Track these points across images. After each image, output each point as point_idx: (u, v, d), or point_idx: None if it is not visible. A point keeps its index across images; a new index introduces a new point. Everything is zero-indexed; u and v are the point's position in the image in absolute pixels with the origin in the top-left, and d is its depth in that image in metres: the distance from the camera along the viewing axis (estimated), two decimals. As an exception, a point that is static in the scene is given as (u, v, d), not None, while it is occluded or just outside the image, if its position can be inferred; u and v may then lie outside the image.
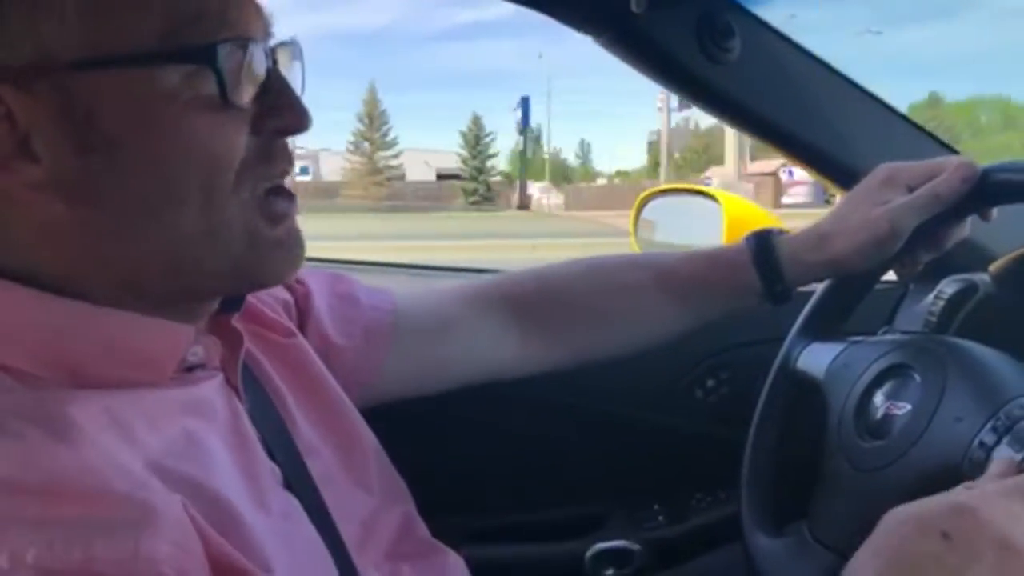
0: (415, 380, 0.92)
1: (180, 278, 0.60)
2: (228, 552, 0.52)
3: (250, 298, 0.75)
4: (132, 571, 0.46)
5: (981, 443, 0.67)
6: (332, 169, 49.19)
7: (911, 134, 1.15)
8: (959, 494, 0.57)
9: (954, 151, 1.13)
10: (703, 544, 1.27)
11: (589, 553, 1.26)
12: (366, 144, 48.05)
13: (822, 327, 0.95)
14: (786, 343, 0.97)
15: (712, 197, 1.50)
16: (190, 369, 0.64)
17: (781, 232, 0.90)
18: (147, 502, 0.49)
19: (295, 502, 0.64)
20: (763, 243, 0.89)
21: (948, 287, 0.98)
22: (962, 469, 0.68)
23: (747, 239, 0.90)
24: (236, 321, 0.69)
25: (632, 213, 1.69)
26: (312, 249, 0.68)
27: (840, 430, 0.84)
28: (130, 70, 0.55)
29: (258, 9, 0.61)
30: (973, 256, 1.03)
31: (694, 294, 0.93)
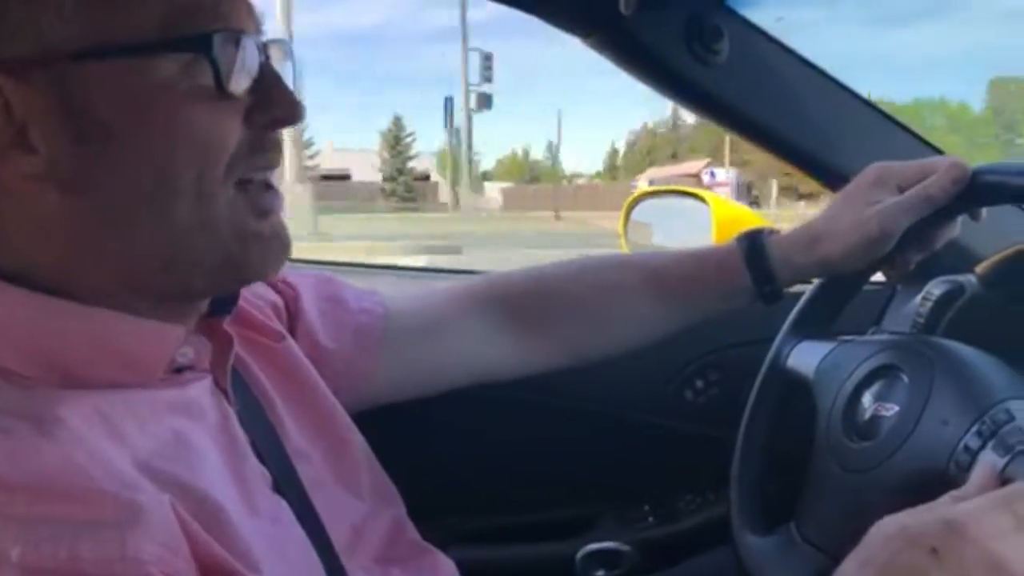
0: (406, 383, 0.92)
1: (171, 271, 0.60)
2: (216, 552, 0.52)
3: (241, 302, 0.74)
4: (118, 571, 0.46)
5: (966, 447, 0.67)
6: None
7: (899, 135, 1.15)
8: (948, 508, 0.57)
9: (940, 152, 1.14)
10: (693, 545, 1.27)
11: (579, 554, 1.26)
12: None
13: (812, 326, 0.95)
14: (776, 342, 0.97)
15: (701, 198, 1.51)
16: (179, 371, 0.64)
17: (772, 232, 0.90)
18: (134, 502, 0.49)
19: (284, 505, 0.65)
20: (754, 243, 0.89)
21: (935, 288, 0.98)
22: (948, 473, 0.68)
23: (738, 239, 0.90)
24: (227, 325, 0.69)
25: (622, 215, 1.69)
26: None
27: (828, 430, 0.84)
28: (127, 61, 0.55)
29: (249, 6, 0.62)
30: (960, 257, 1.03)
31: (685, 294, 0.93)
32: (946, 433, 0.70)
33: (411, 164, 51.34)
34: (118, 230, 0.58)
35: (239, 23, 0.60)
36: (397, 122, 52.00)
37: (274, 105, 0.61)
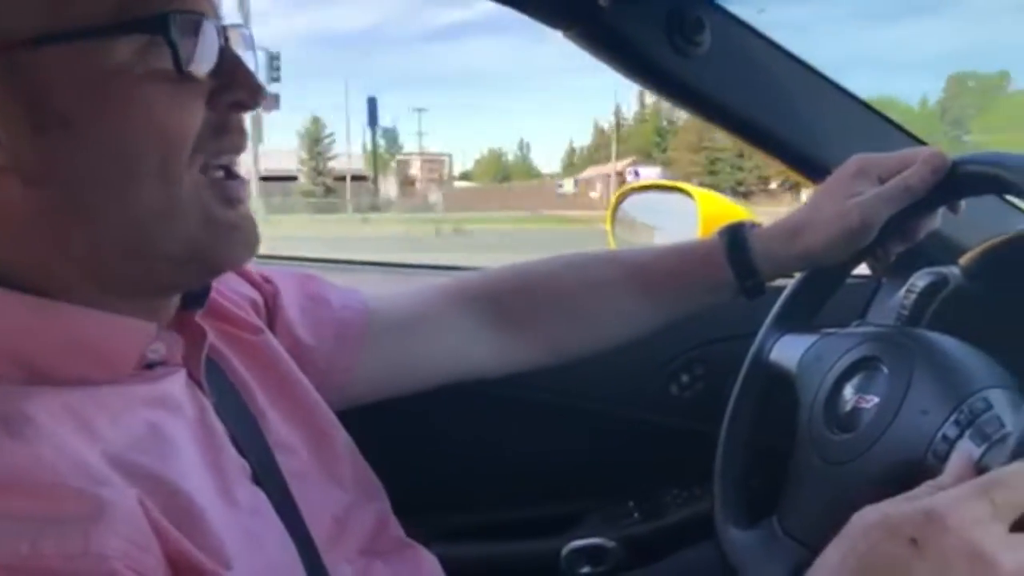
0: (388, 381, 0.92)
1: (139, 262, 0.60)
2: (185, 548, 0.52)
3: (217, 296, 0.75)
4: (81, 566, 0.46)
5: (944, 436, 0.67)
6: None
7: (881, 127, 1.15)
8: (926, 497, 0.57)
9: (923, 143, 1.13)
10: (678, 540, 1.27)
11: (564, 551, 1.25)
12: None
13: (795, 319, 0.95)
14: (759, 335, 0.96)
15: (687, 193, 1.50)
16: (151, 366, 0.63)
17: (754, 225, 0.90)
18: (99, 497, 0.49)
19: (263, 496, 0.64)
20: (735, 237, 0.89)
21: (919, 280, 0.98)
22: (926, 463, 0.68)
23: (720, 233, 0.90)
24: (201, 319, 0.69)
25: (609, 210, 1.69)
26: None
27: (810, 423, 0.84)
28: (83, 45, 0.55)
29: None
30: (945, 249, 1.03)
31: (668, 289, 0.93)
32: (925, 423, 0.70)
33: (331, 164, 51.98)
34: (84, 220, 0.57)
35: (195, 5, 0.59)
36: (316, 123, 52.63)
37: (236, 88, 0.61)
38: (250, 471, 0.65)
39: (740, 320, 1.02)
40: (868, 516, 0.57)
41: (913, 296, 0.97)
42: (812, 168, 1.11)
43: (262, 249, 0.67)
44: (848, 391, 0.81)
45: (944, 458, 0.65)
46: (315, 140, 51.68)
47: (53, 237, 0.57)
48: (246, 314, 0.80)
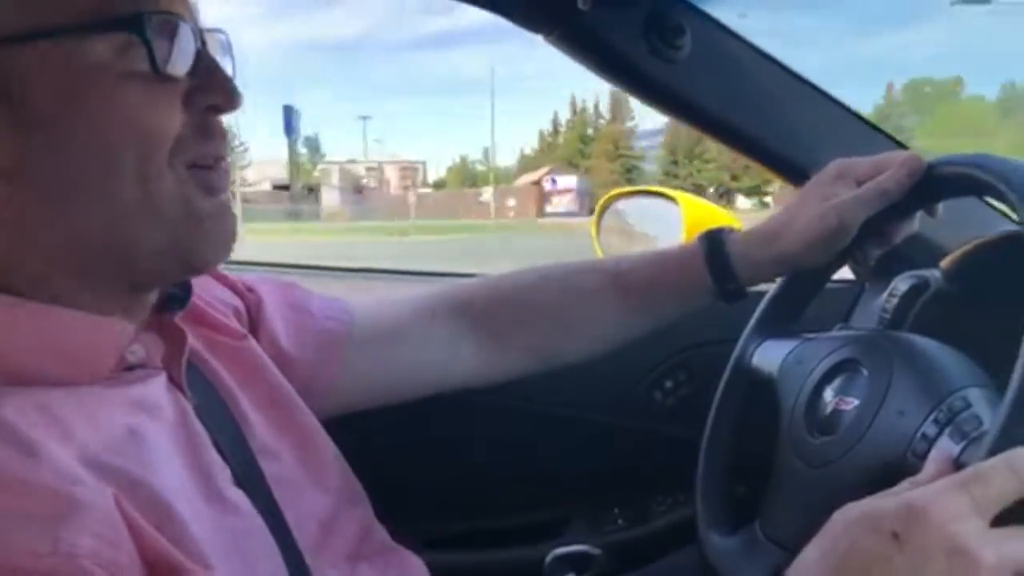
0: (371, 391, 0.92)
1: (119, 257, 0.60)
2: (164, 547, 0.52)
3: (200, 303, 0.75)
4: (50, 564, 0.46)
5: (923, 435, 0.67)
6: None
7: (862, 131, 1.15)
8: (907, 493, 0.57)
9: (904, 147, 1.13)
10: (663, 547, 1.27)
11: (549, 558, 1.25)
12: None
13: (776, 324, 0.95)
14: (741, 340, 0.96)
15: (672, 199, 1.50)
16: (130, 368, 0.63)
17: (732, 231, 0.90)
18: (72, 496, 0.49)
19: (245, 499, 0.64)
20: (714, 242, 0.89)
21: (901, 283, 0.98)
22: (906, 462, 0.68)
23: (699, 238, 0.91)
24: (184, 325, 0.69)
25: (594, 216, 1.69)
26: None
27: (791, 426, 0.84)
28: (61, 43, 0.55)
29: None
30: (928, 252, 1.03)
31: (649, 296, 0.93)
32: (904, 423, 0.70)
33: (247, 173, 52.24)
34: (62, 216, 0.57)
35: (172, 7, 0.60)
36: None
37: (212, 90, 0.62)
38: (232, 475, 0.65)
39: (723, 325, 1.02)
40: (849, 512, 0.57)
41: (895, 299, 0.97)
42: (793, 171, 1.11)
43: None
44: (828, 394, 0.81)
45: (924, 457, 0.65)
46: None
47: (31, 232, 0.57)
48: (229, 321, 0.80)
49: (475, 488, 1.28)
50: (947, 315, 0.91)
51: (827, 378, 0.82)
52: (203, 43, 0.62)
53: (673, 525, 1.29)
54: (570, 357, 0.96)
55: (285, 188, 52.27)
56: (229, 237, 0.65)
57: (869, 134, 1.15)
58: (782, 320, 0.95)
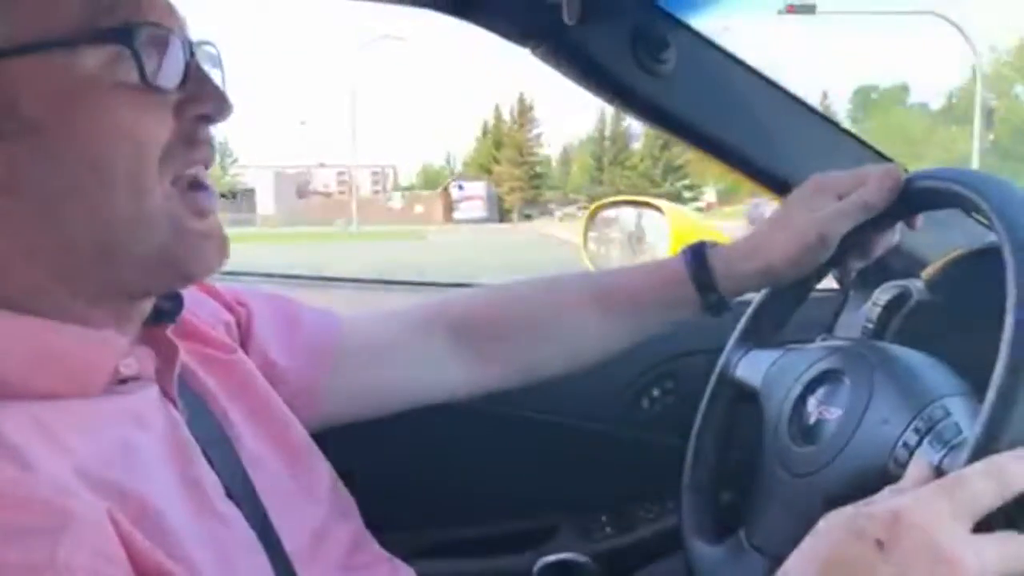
0: (359, 403, 0.93)
1: (109, 265, 0.60)
2: (157, 559, 0.52)
3: (190, 316, 0.75)
4: None
5: (905, 444, 0.68)
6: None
7: (846, 144, 1.16)
8: (890, 500, 0.58)
9: (888, 160, 1.15)
10: (651, 554, 1.27)
11: (537, 566, 1.25)
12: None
13: (760, 335, 0.96)
14: (725, 351, 0.97)
15: (658, 209, 1.52)
16: (123, 381, 0.64)
17: (715, 245, 0.91)
18: (68, 509, 0.49)
19: (235, 511, 0.65)
20: (697, 255, 0.90)
21: (883, 294, 0.99)
22: (888, 470, 0.69)
23: (682, 252, 0.92)
24: (174, 339, 0.69)
25: (583, 226, 1.70)
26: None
27: (775, 436, 0.84)
28: (50, 56, 0.56)
29: (170, 5, 0.63)
30: (910, 263, 1.04)
31: (633, 309, 0.94)
32: (886, 432, 0.71)
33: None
34: (54, 225, 0.58)
35: (162, 20, 0.60)
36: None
37: (202, 101, 0.62)
38: (223, 487, 0.66)
39: (709, 334, 1.03)
40: (833, 520, 0.58)
41: (877, 309, 0.98)
42: (776, 184, 1.12)
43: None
44: (812, 404, 0.82)
45: (905, 465, 0.66)
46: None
47: (23, 241, 0.58)
48: (219, 334, 0.81)
49: (463, 497, 1.28)
50: (928, 325, 0.93)
51: (810, 388, 0.83)
52: (192, 55, 0.63)
53: (661, 533, 1.30)
54: (554, 370, 0.97)
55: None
56: (220, 254, 0.65)
57: (852, 147, 1.16)
58: (766, 331, 0.96)
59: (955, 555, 0.53)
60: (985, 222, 0.71)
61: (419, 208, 48.77)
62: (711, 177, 46.16)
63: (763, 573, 0.82)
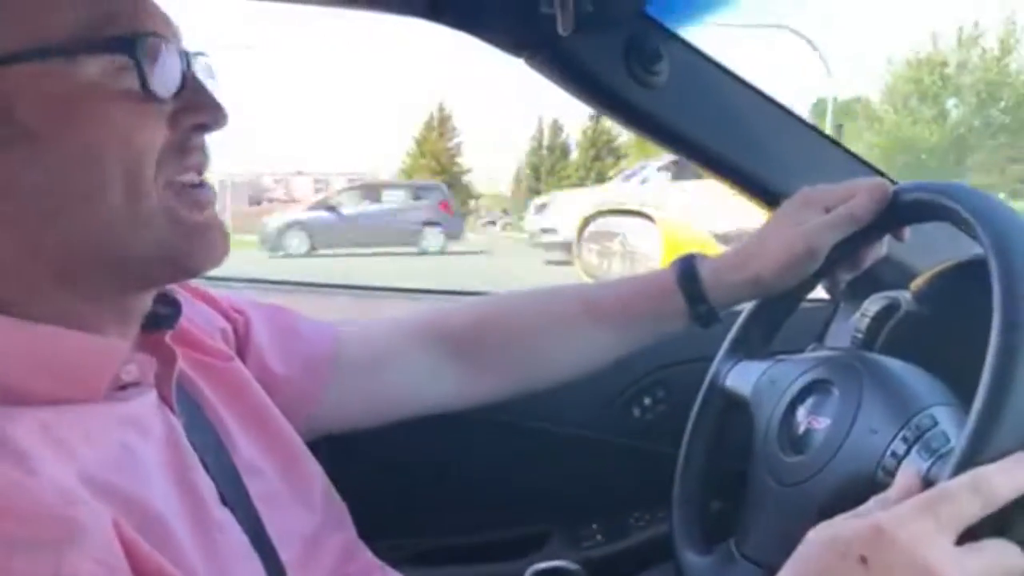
0: (354, 413, 0.93)
1: (110, 262, 0.61)
2: (161, 565, 0.52)
3: (186, 323, 0.75)
4: None
5: (893, 453, 0.69)
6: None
7: (837, 156, 1.17)
8: (874, 516, 0.58)
9: (879, 172, 1.16)
10: (641, 562, 1.26)
11: (527, 574, 1.25)
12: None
13: (750, 345, 0.97)
14: (715, 362, 0.98)
15: (649, 219, 1.53)
16: (123, 387, 0.64)
17: (705, 257, 0.93)
18: (74, 519, 0.49)
19: (230, 518, 0.65)
20: (686, 266, 0.91)
21: (872, 305, 1.00)
22: (876, 479, 0.69)
23: (672, 263, 0.93)
24: (171, 343, 0.70)
25: (576, 236, 1.71)
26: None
27: (765, 446, 0.85)
28: (52, 63, 0.56)
29: (166, 16, 0.64)
30: (899, 274, 1.05)
31: (622, 321, 0.95)
32: (874, 441, 0.71)
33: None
34: (52, 227, 0.59)
35: (160, 30, 0.61)
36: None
37: (198, 110, 0.63)
38: (218, 494, 0.66)
39: (702, 343, 1.03)
40: (819, 535, 0.59)
41: (867, 320, 0.99)
42: (767, 196, 1.13)
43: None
44: (801, 413, 0.83)
45: (893, 474, 0.67)
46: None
47: (26, 245, 0.59)
48: (216, 342, 0.81)
49: (455, 504, 1.28)
50: (917, 336, 0.93)
51: (800, 398, 0.84)
52: (189, 65, 0.64)
53: (651, 541, 1.30)
54: (547, 381, 0.98)
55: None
56: (219, 245, 0.66)
57: (843, 159, 1.17)
58: (755, 342, 0.97)
59: (937, 569, 0.53)
60: (971, 234, 0.71)
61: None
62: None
63: None
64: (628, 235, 1.59)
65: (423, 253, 15.00)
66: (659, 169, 10.90)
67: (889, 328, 0.96)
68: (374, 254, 13.48)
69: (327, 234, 15.26)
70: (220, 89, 0.68)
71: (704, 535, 0.94)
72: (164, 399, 0.67)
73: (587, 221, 1.68)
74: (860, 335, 0.99)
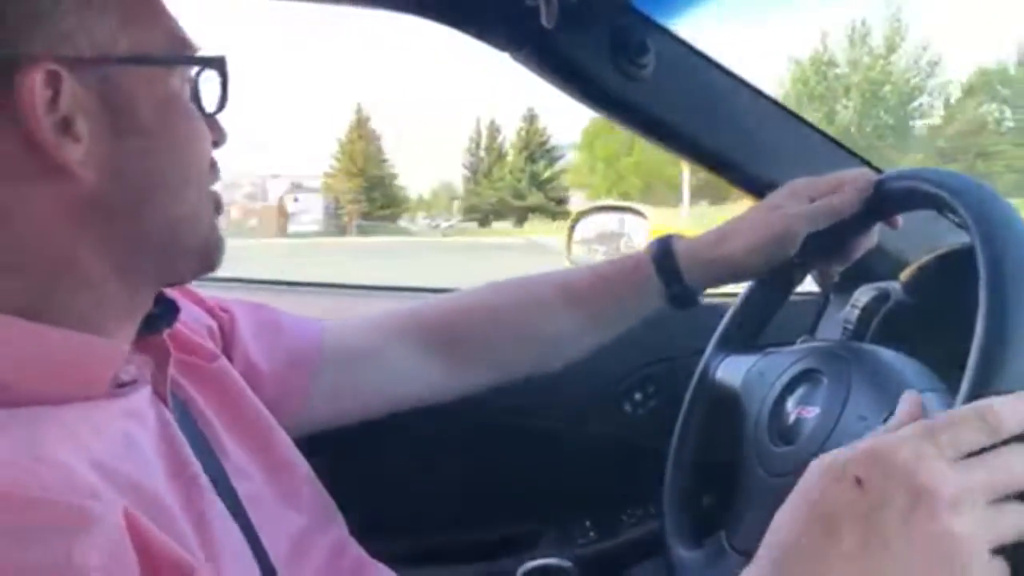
0: (341, 408, 0.93)
1: (168, 254, 0.66)
2: (172, 548, 0.53)
3: (177, 324, 0.76)
4: None
5: None
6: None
7: (825, 147, 1.17)
8: (874, 439, 0.57)
9: (869, 164, 1.15)
10: (634, 559, 1.27)
11: (520, 571, 1.25)
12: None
13: (740, 339, 0.97)
14: (705, 355, 0.98)
15: (640, 214, 1.52)
16: (121, 386, 0.65)
17: (681, 237, 0.94)
18: (86, 509, 0.49)
19: (227, 513, 0.65)
20: (662, 245, 0.93)
21: (863, 296, 1.00)
22: None
23: (649, 244, 0.94)
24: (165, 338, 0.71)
25: (566, 232, 1.71)
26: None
27: (755, 437, 0.85)
28: (154, 69, 0.64)
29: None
30: (889, 264, 1.05)
31: (598, 303, 0.95)
32: (863, 428, 0.71)
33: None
34: (135, 215, 0.63)
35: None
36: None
37: (214, 127, 0.70)
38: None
39: (691, 337, 1.04)
40: (819, 462, 0.58)
41: (857, 311, 0.99)
42: (756, 187, 1.13)
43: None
44: (790, 404, 0.83)
45: None
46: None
47: (103, 229, 0.62)
48: (203, 341, 0.82)
49: (446, 502, 1.28)
50: (906, 325, 0.93)
51: (789, 389, 0.84)
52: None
53: (644, 537, 1.30)
54: (530, 369, 0.98)
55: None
56: (224, 244, 0.71)
57: (833, 151, 1.17)
58: (744, 335, 0.97)
59: (932, 486, 0.52)
60: (958, 221, 0.71)
61: (253, 221, 47.08)
62: (577, 190, 47.20)
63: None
64: (632, 235, 1.59)
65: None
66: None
67: (879, 319, 0.97)
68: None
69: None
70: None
71: (695, 529, 0.93)
72: (159, 394, 0.68)
73: (578, 217, 1.68)
74: (851, 326, 0.99)
